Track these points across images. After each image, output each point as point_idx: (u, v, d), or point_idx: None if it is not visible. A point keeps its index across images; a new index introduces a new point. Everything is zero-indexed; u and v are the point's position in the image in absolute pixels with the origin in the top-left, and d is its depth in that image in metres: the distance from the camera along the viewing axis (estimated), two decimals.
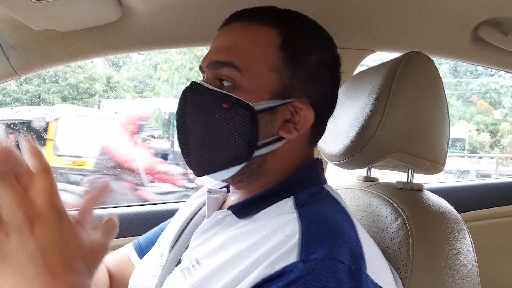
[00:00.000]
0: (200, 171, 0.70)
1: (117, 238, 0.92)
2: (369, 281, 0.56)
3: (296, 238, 0.57)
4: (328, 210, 0.64)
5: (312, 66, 0.69)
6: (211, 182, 0.88)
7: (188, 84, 0.70)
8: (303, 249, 0.55)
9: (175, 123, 0.70)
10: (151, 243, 0.90)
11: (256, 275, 0.55)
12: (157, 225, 0.97)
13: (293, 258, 0.54)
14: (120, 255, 0.94)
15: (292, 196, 0.66)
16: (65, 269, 0.44)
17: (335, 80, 0.74)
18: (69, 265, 0.44)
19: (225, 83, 0.67)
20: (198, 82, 0.69)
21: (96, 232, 0.51)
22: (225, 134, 0.66)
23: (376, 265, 0.60)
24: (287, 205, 0.65)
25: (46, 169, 0.46)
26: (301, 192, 0.67)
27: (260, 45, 0.67)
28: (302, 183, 0.69)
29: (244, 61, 0.66)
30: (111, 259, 0.95)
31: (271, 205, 0.67)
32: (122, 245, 0.96)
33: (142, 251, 0.91)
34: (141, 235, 0.97)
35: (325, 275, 0.52)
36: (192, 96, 0.68)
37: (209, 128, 0.66)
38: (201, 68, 0.72)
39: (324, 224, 0.59)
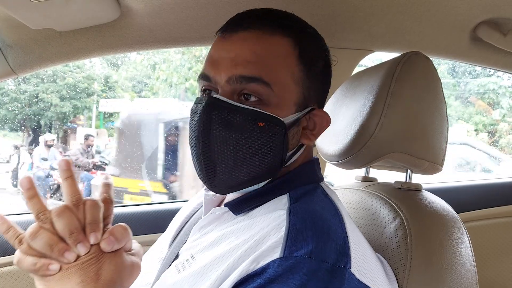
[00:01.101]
0: (227, 189, 0.68)
1: None
2: (352, 279, 0.56)
3: (282, 233, 0.58)
4: (318, 207, 0.64)
5: (321, 73, 0.71)
6: None
7: (206, 99, 0.65)
8: (288, 246, 0.56)
9: (196, 141, 0.65)
10: None
11: (242, 269, 0.56)
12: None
13: (276, 254, 0.55)
14: None
15: (288, 193, 0.67)
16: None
17: (330, 81, 0.76)
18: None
19: (252, 98, 0.64)
20: (221, 98, 0.65)
21: (132, 253, 0.61)
22: (260, 151, 0.64)
23: (364, 263, 0.60)
24: (282, 201, 0.66)
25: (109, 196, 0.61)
26: (296, 189, 0.68)
27: (282, 57, 0.66)
28: (299, 180, 0.70)
29: (272, 76, 0.64)
30: None
31: (267, 201, 0.68)
32: None
33: None
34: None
35: (306, 274, 0.53)
36: (219, 115, 0.64)
37: (243, 147, 0.64)
38: (207, 77, 0.68)
39: (311, 221, 0.60)
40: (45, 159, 6.16)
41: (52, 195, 5.96)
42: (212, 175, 0.66)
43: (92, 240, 0.55)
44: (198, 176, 0.68)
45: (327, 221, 0.61)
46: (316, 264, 0.54)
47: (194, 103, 0.68)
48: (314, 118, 0.70)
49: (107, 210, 0.60)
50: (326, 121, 0.71)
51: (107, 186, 0.61)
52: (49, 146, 6.24)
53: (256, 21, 0.67)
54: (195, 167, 0.68)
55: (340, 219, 0.64)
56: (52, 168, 5.99)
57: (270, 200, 0.68)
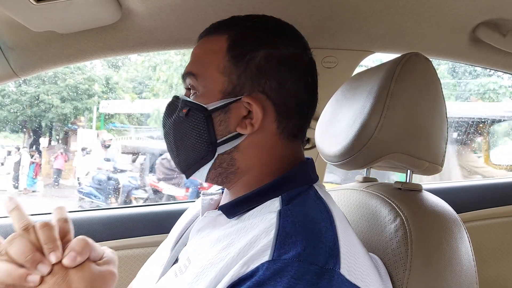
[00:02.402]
0: (183, 173, 0.77)
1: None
2: (341, 280, 0.56)
3: (271, 236, 0.58)
4: (309, 209, 0.65)
5: (260, 62, 0.71)
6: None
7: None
8: (276, 249, 0.56)
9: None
10: None
11: (233, 273, 0.56)
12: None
13: (266, 257, 0.56)
14: None
15: (280, 196, 0.68)
16: None
17: (295, 72, 0.72)
18: None
19: (191, 92, 0.74)
20: (175, 95, 0.78)
21: (102, 264, 0.61)
22: (188, 136, 0.72)
23: (355, 264, 0.61)
24: (274, 204, 0.67)
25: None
26: (288, 192, 0.68)
27: (211, 53, 0.73)
28: (291, 182, 0.71)
29: (199, 69, 0.73)
30: None
31: (259, 204, 0.68)
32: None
33: None
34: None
35: (294, 277, 0.53)
36: (167, 108, 0.78)
37: (176, 133, 0.75)
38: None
39: (301, 224, 0.60)
40: (108, 160, 6.00)
41: (116, 199, 5.68)
42: (172, 159, 0.78)
43: (53, 259, 0.56)
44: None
45: (317, 223, 0.62)
46: (305, 267, 0.54)
47: None
48: (251, 108, 0.70)
49: (64, 228, 0.61)
50: (259, 111, 0.70)
51: (59, 209, 0.64)
52: (107, 147, 6.09)
53: (207, 30, 0.77)
54: None
55: (331, 220, 0.64)
56: (116, 170, 5.77)
57: (263, 203, 0.68)
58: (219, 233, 0.68)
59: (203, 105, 0.71)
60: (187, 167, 0.75)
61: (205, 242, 0.68)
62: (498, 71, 1.47)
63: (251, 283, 0.53)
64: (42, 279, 0.55)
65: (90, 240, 0.60)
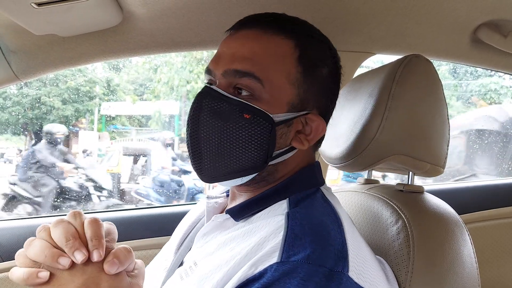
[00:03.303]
0: (211, 178, 0.70)
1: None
2: (349, 283, 0.56)
3: (279, 238, 0.58)
4: (317, 212, 0.65)
5: (324, 79, 0.71)
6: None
7: (201, 88, 0.69)
8: (285, 250, 0.56)
9: (186, 128, 0.69)
10: None
11: (241, 274, 0.56)
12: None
13: (274, 259, 0.56)
14: None
15: (287, 198, 0.68)
16: None
17: (339, 89, 0.76)
18: None
19: (243, 93, 0.67)
20: (214, 88, 0.68)
21: (133, 274, 0.60)
22: (244, 143, 0.66)
23: (363, 267, 0.61)
24: (282, 207, 0.67)
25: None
26: (296, 194, 0.68)
27: (279, 57, 0.68)
28: (298, 185, 0.71)
29: (265, 73, 0.66)
30: None
31: (267, 207, 0.68)
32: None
33: None
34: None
35: (304, 279, 0.53)
36: (209, 102, 0.67)
37: (227, 136, 0.66)
38: (209, 71, 0.71)
39: (310, 226, 0.60)
40: (175, 159, 5.63)
41: (178, 200, 5.31)
42: (199, 161, 0.68)
43: (96, 257, 0.55)
44: (191, 165, 0.71)
45: (325, 226, 0.62)
46: (314, 269, 0.54)
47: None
48: (311, 123, 0.70)
49: (109, 229, 0.61)
50: (321, 128, 0.71)
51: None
52: (168, 145, 5.89)
53: (261, 22, 0.70)
54: (188, 155, 0.71)
55: (339, 223, 0.64)
56: (181, 171, 5.45)
57: (270, 206, 0.68)
58: (226, 235, 0.67)
59: (270, 114, 0.66)
60: (226, 174, 0.68)
61: (212, 245, 0.68)
62: (499, 71, 1.47)
63: (260, 284, 0.53)
64: (71, 272, 0.54)
65: (132, 251, 0.60)
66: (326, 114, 0.74)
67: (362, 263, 0.61)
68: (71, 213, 0.58)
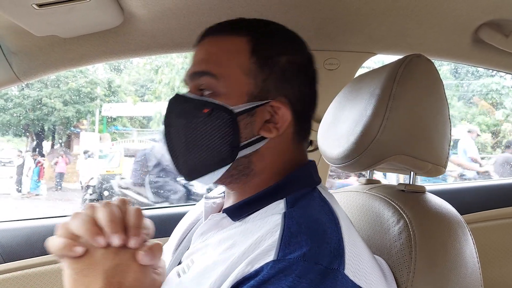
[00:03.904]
0: (189, 176, 0.74)
1: None
2: (345, 281, 0.56)
3: (276, 236, 0.59)
4: (314, 211, 0.65)
5: (284, 67, 0.73)
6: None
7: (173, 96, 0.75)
8: (281, 249, 0.57)
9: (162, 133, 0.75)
10: None
11: (237, 272, 0.57)
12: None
13: (270, 257, 0.56)
14: None
15: (284, 198, 0.68)
16: None
17: (310, 79, 0.77)
18: None
19: (206, 92, 0.71)
20: (180, 93, 0.74)
21: (157, 272, 0.64)
22: (208, 137, 0.70)
23: (359, 265, 0.61)
24: (279, 206, 0.67)
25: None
26: (293, 194, 0.69)
27: (231, 52, 0.72)
28: (294, 184, 0.71)
29: (219, 69, 0.70)
30: None
31: (264, 207, 0.69)
32: None
33: None
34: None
35: (299, 275, 0.54)
36: (175, 106, 0.73)
37: (193, 133, 0.70)
38: (185, 81, 0.77)
39: (306, 225, 0.61)
40: None
41: None
42: (175, 160, 0.73)
43: (132, 244, 0.59)
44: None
45: (322, 224, 0.62)
46: (309, 266, 0.55)
47: None
48: (278, 112, 0.72)
49: (148, 228, 0.65)
50: (286, 115, 0.72)
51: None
52: None
53: (219, 28, 0.75)
54: None
55: (336, 222, 0.64)
56: None
57: (267, 205, 0.69)
58: (222, 234, 0.68)
59: (228, 106, 0.69)
60: (199, 170, 0.72)
61: (209, 244, 0.69)
62: (500, 71, 1.47)
63: (255, 282, 0.54)
64: (104, 252, 0.59)
65: (163, 249, 0.64)
66: (296, 102, 0.74)
67: (359, 261, 0.61)
68: (121, 200, 0.64)
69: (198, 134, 0.70)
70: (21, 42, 1.03)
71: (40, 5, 0.83)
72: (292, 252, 0.56)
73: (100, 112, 7.09)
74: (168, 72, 6.72)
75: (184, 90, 0.78)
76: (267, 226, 0.63)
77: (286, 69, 0.73)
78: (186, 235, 0.83)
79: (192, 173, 0.73)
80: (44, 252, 1.21)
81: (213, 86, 0.70)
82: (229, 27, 0.75)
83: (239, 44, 0.72)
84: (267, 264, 0.55)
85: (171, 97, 0.75)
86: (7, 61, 1.05)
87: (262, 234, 0.61)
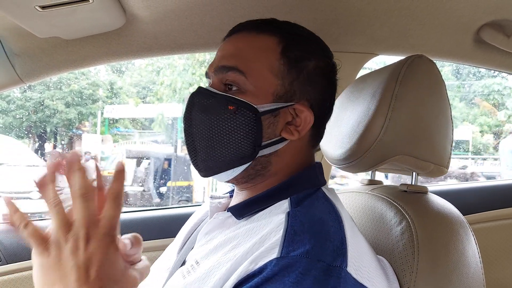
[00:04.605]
0: (207, 172, 0.73)
1: None
2: (348, 278, 0.57)
3: (279, 235, 0.59)
4: (318, 211, 0.66)
5: (311, 72, 0.73)
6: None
7: (195, 89, 0.73)
8: (285, 246, 0.57)
9: (182, 126, 0.73)
10: None
11: (242, 270, 0.57)
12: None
13: (274, 254, 0.57)
14: None
15: (289, 198, 0.69)
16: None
17: (331, 86, 0.77)
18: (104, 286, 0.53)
19: (233, 88, 0.71)
20: (205, 87, 0.73)
21: (133, 267, 0.59)
22: (231, 134, 0.69)
23: (362, 263, 0.61)
24: (283, 206, 0.68)
25: (118, 196, 0.56)
26: (297, 194, 0.69)
27: (262, 51, 0.71)
28: (300, 184, 0.72)
29: (248, 66, 0.70)
30: None
31: (268, 206, 0.69)
32: None
33: None
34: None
35: (302, 272, 0.54)
36: (198, 100, 0.72)
37: (216, 129, 0.70)
38: (207, 74, 0.76)
39: (310, 224, 0.61)
40: None
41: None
42: (194, 155, 0.73)
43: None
44: (189, 157, 0.75)
45: (325, 223, 0.63)
46: (312, 263, 0.55)
47: None
48: (300, 115, 0.72)
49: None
50: (309, 119, 0.72)
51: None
52: None
53: (249, 25, 0.75)
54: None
55: (339, 221, 0.65)
56: None
57: (272, 205, 0.69)
58: (227, 234, 0.68)
59: (254, 105, 0.69)
60: (218, 166, 0.72)
61: (213, 243, 0.69)
62: (502, 72, 1.47)
63: (259, 279, 0.54)
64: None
65: (141, 241, 0.62)
66: (317, 107, 0.74)
67: (361, 260, 0.62)
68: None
69: (221, 130, 0.70)
70: (24, 44, 1.04)
71: (43, 7, 0.83)
72: (296, 249, 0.56)
73: (102, 113, 7.09)
74: (170, 74, 6.72)
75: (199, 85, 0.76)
76: (271, 225, 0.63)
77: (313, 74, 0.73)
78: (191, 235, 0.84)
79: (210, 169, 0.73)
80: None
81: (240, 83, 0.70)
82: (260, 25, 0.74)
83: (270, 43, 0.72)
84: (270, 261, 0.56)
85: (193, 90, 0.73)
86: (10, 62, 1.05)
87: (265, 232, 0.61)
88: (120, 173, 0.57)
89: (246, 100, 0.69)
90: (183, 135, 0.74)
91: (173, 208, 1.51)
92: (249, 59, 0.71)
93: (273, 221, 0.64)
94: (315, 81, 0.74)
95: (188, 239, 0.83)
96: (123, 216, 1.37)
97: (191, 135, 0.72)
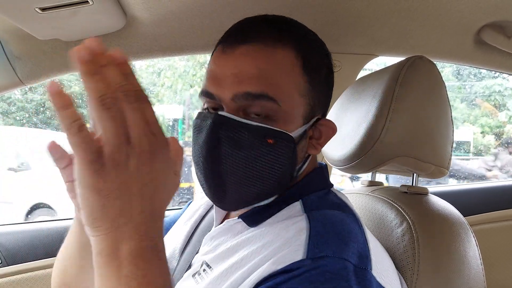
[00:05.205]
0: (235, 206, 0.67)
1: None
2: (373, 282, 0.56)
3: (303, 237, 0.57)
4: (336, 213, 0.64)
5: (323, 80, 0.69)
6: None
7: (212, 116, 0.62)
8: (310, 249, 0.56)
9: (202, 161, 0.63)
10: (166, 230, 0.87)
11: (263, 270, 0.55)
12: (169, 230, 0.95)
13: (299, 256, 0.55)
14: None
15: (300, 200, 0.67)
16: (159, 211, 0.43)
17: (332, 87, 0.74)
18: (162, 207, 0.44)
19: (259, 114, 0.62)
20: (227, 115, 0.62)
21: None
22: (269, 168, 0.63)
23: (382, 268, 0.61)
24: (295, 208, 0.66)
25: (143, 98, 0.41)
26: (308, 196, 0.68)
27: (286, 70, 0.64)
28: (310, 187, 0.70)
29: (278, 91, 0.62)
30: None
31: (280, 210, 0.67)
32: None
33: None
34: None
35: (330, 271, 0.53)
36: (227, 133, 0.61)
37: (253, 165, 0.62)
38: (210, 95, 0.65)
39: (332, 226, 0.60)
40: None
41: None
42: (222, 194, 0.64)
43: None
44: (206, 194, 0.67)
45: (347, 224, 0.61)
46: (340, 263, 0.54)
47: (198, 119, 0.66)
48: (319, 127, 0.69)
49: None
50: (332, 129, 0.70)
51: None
52: None
53: (256, 33, 0.65)
54: (201, 185, 0.66)
55: (359, 223, 0.64)
56: None
57: (283, 209, 0.67)
58: (238, 239, 0.66)
59: (290, 133, 0.63)
60: (251, 199, 0.65)
61: (223, 248, 0.67)
62: (503, 73, 1.47)
63: (285, 277, 0.53)
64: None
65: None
66: (327, 112, 0.73)
67: (382, 264, 0.61)
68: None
69: (259, 165, 0.62)
70: (25, 46, 1.04)
71: (43, 9, 0.83)
72: (321, 251, 0.55)
73: None
74: (170, 75, 6.73)
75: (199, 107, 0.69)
76: (290, 230, 0.60)
77: (324, 81, 0.70)
78: (192, 235, 0.81)
79: (242, 203, 0.66)
80: (47, 254, 1.21)
81: (273, 112, 0.62)
82: (274, 32, 0.65)
83: (290, 57, 0.64)
84: (296, 262, 0.54)
85: (213, 119, 0.62)
86: (11, 64, 1.05)
87: (287, 236, 0.59)
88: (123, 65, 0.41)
89: (282, 130, 0.62)
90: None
91: (172, 209, 1.51)
92: (277, 82, 0.62)
93: (290, 223, 0.62)
94: (326, 88, 0.71)
95: (189, 239, 0.80)
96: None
97: (219, 173, 0.63)
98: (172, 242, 0.83)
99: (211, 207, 0.84)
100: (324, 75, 0.70)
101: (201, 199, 0.89)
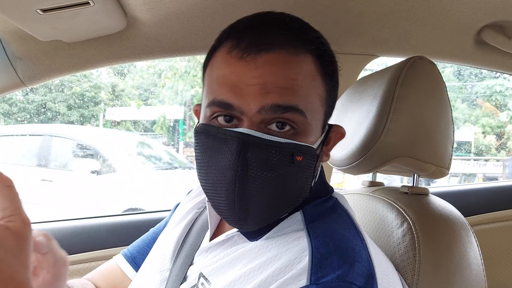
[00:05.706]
0: (258, 226, 0.62)
1: (126, 245, 0.92)
2: None
3: (306, 260, 0.56)
4: (337, 226, 0.62)
5: (334, 86, 0.66)
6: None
7: (237, 136, 0.57)
8: (313, 273, 0.54)
9: (223, 180, 0.58)
10: (144, 253, 0.84)
11: None
12: (138, 236, 0.92)
13: (303, 281, 0.54)
14: (110, 268, 0.87)
15: (300, 210, 0.65)
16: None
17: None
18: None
19: (285, 128, 0.58)
20: (255, 134, 0.57)
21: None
22: (295, 185, 0.60)
23: (388, 280, 0.60)
24: (296, 219, 0.64)
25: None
26: (309, 205, 0.65)
27: (310, 79, 0.60)
28: (310, 195, 0.66)
29: (306, 102, 0.59)
30: (99, 274, 0.87)
31: (280, 221, 0.64)
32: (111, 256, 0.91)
33: (135, 262, 0.85)
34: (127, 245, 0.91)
35: None
36: (256, 155, 0.56)
37: (280, 185, 0.58)
38: (229, 106, 0.58)
39: (334, 244, 0.58)
40: None
41: None
42: (245, 216, 0.59)
43: None
44: (223, 216, 0.62)
45: (349, 241, 0.59)
46: (345, 287, 0.53)
47: (210, 137, 0.59)
48: (330, 133, 0.67)
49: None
50: (340, 134, 0.68)
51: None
52: None
53: (276, 39, 0.59)
54: (216, 207, 0.62)
55: (361, 237, 0.62)
56: None
57: (283, 219, 0.64)
58: (236, 251, 0.64)
59: (313, 146, 0.60)
60: (275, 216, 0.62)
61: (221, 260, 0.65)
62: (504, 73, 1.47)
63: None
64: None
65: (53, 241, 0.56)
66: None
67: (387, 278, 0.60)
68: None
69: (287, 185, 0.59)
70: (26, 47, 1.04)
71: (45, 10, 0.83)
72: (326, 275, 0.54)
73: (104, 116, 7.11)
74: (171, 76, 6.74)
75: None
76: (293, 248, 0.58)
77: (336, 86, 0.67)
78: (183, 242, 0.76)
79: (262, 223, 0.62)
80: None
81: (299, 125, 0.58)
82: (290, 37, 0.60)
83: (311, 64, 0.60)
84: None
85: (240, 140, 0.56)
86: (12, 65, 1.05)
87: (289, 258, 0.57)
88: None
89: (307, 143, 0.59)
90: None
91: (141, 213, 1.49)
92: (305, 93, 0.58)
93: (289, 240, 0.60)
94: (337, 92, 0.68)
95: (181, 247, 0.76)
96: (123, 219, 1.37)
97: (245, 196, 0.57)
98: (161, 249, 0.79)
99: (203, 211, 0.81)
100: (336, 79, 0.67)
101: (190, 201, 0.85)
